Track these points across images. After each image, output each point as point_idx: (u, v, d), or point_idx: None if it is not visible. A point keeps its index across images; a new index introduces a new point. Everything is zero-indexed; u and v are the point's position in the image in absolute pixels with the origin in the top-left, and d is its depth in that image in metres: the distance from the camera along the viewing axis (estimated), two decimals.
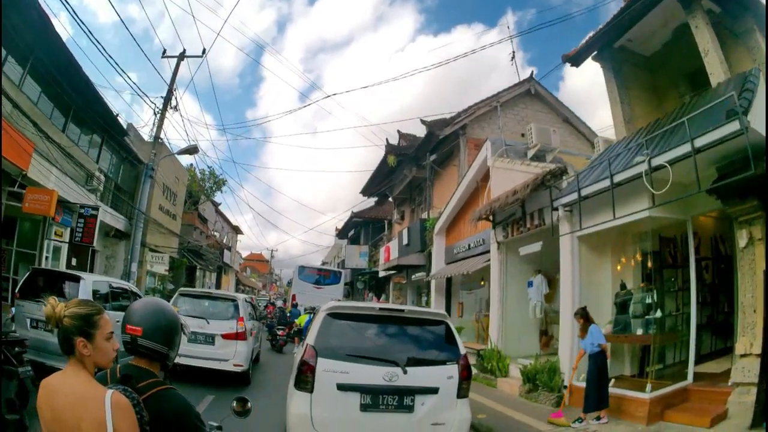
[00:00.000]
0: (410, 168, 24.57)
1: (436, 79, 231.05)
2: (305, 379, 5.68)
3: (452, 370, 5.95)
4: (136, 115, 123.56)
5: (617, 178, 9.12)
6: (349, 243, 41.76)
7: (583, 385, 9.06)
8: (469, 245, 17.28)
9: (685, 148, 7.74)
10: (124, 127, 21.26)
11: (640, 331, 9.66)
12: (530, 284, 13.16)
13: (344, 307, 6.61)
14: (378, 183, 29.70)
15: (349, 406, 5.61)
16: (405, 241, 22.95)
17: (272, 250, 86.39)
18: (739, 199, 7.89)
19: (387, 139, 25.41)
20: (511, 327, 13.80)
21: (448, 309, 19.09)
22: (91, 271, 19.29)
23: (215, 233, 45.57)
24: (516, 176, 13.28)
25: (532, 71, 21.16)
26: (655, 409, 8.42)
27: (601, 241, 10.91)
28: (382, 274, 29.40)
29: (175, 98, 20.48)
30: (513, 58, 22.37)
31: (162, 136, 20.37)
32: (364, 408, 5.63)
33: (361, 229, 40.31)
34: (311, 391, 5.63)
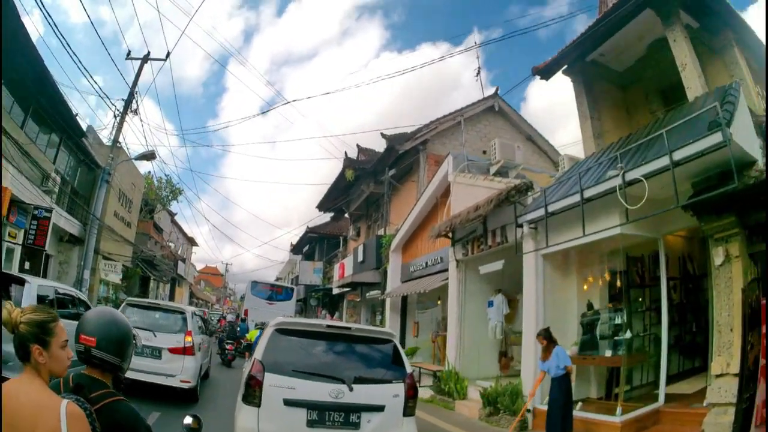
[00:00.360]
0: (368, 183, 23.79)
1: (399, 95, 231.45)
2: (253, 393, 5.64)
3: (398, 388, 5.91)
4: (98, 119, 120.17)
5: (588, 193, 8.54)
6: (303, 259, 40.65)
7: (545, 408, 8.37)
8: (426, 263, 16.50)
9: (663, 161, 7.30)
10: (84, 129, 20.03)
11: (608, 353, 9.04)
12: (490, 304, 12.43)
13: (292, 323, 6.64)
14: (335, 198, 28.67)
15: (296, 421, 5.57)
16: (360, 258, 22.08)
17: (227, 264, 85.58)
18: (716, 215, 7.44)
19: (346, 153, 24.39)
20: (469, 348, 13.03)
21: (403, 328, 18.28)
22: (44, 276, 18.24)
23: (170, 244, 44.26)
24: (478, 192, 12.57)
25: (497, 88, 20.79)
26: None
27: (567, 259, 10.33)
28: (336, 291, 28.55)
29: (136, 102, 19.77)
30: (478, 73, 22.04)
31: (121, 140, 19.76)
32: (311, 424, 5.58)
33: (316, 245, 39.30)
34: (259, 406, 5.59)
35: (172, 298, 43.68)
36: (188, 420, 3.06)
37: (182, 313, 11.26)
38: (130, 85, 19.77)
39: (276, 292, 28.45)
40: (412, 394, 5.98)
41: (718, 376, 7.22)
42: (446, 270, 14.42)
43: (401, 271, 18.84)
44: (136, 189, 27.22)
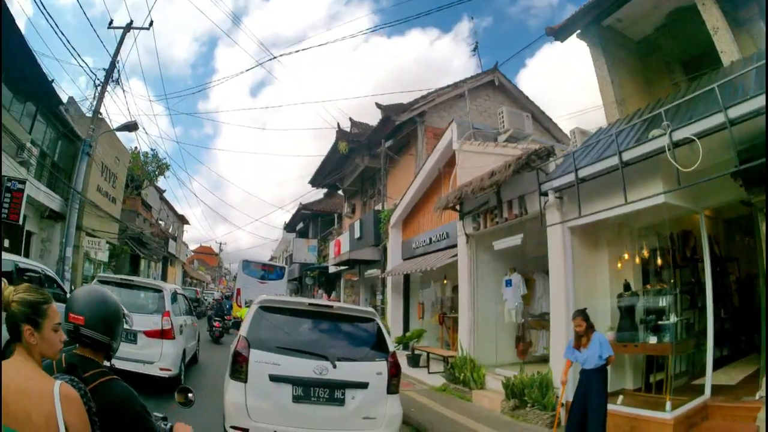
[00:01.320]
0: (362, 157, 22.43)
1: (390, 80, 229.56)
2: (239, 369, 5.76)
3: (381, 366, 6.04)
4: (80, 92, 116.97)
5: (627, 156, 7.23)
6: (297, 237, 39.42)
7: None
8: (430, 239, 15.25)
9: (715, 120, 6.10)
10: (64, 99, 19.00)
11: (652, 339, 7.83)
12: (508, 283, 11.17)
13: (276, 301, 6.67)
14: (328, 173, 27.29)
15: (282, 396, 5.70)
16: (357, 234, 20.79)
17: (221, 244, 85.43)
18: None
19: (338, 124, 22.96)
20: (483, 332, 11.78)
21: (406, 309, 17.10)
22: (27, 255, 17.23)
23: (160, 222, 43.08)
24: (488, 160, 11.28)
25: (496, 62, 19.39)
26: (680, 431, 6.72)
27: (596, 234, 9.07)
28: (332, 269, 27.56)
29: (118, 71, 18.82)
30: (476, 48, 20.57)
31: (104, 112, 18.63)
32: (296, 399, 5.71)
33: (310, 222, 38.05)
34: (245, 381, 5.71)
35: (164, 277, 42.82)
36: (178, 394, 3.21)
37: (159, 290, 10.05)
38: (112, 55, 18.65)
39: (267, 272, 28.33)
40: (395, 372, 6.10)
41: None
42: (453, 246, 13.19)
43: (402, 249, 17.59)
44: (121, 163, 25.96)
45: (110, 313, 2.39)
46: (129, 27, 18.95)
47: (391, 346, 6.41)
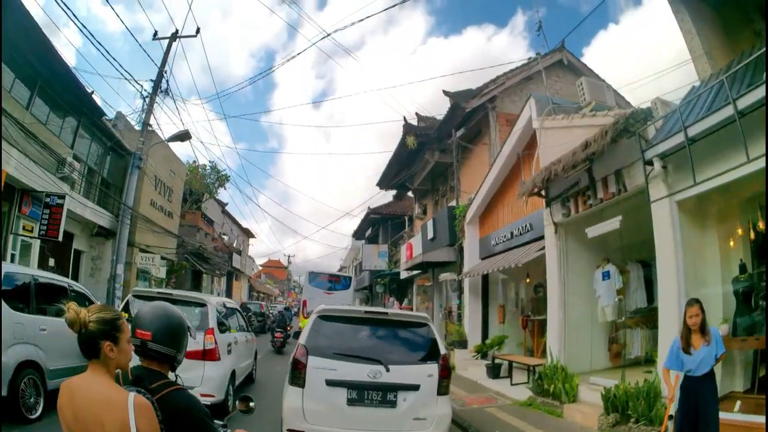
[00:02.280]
0: (432, 152, 21.74)
1: (450, 80, 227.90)
2: (297, 375, 6.22)
3: (432, 368, 6.39)
4: (127, 105, 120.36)
5: (742, 104, 6.20)
6: (366, 243, 39.16)
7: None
8: (511, 233, 14.33)
9: None
10: (112, 115, 19.99)
11: None
12: (605, 276, 10.15)
13: (333, 310, 7.13)
14: (396, 173, 26.71)
15: (337, 400, 6.12)
16: (430, 235, 20.01)
17: (289, 256, 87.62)
18: None
19: (404, 118, 22.31)
20: (574, 335, 10.81)
21: (485, 314, 16.21)
22: (76, 274, 17.81)
23: (224, 236, 43.57)
24: (574, 135, 10.29)
25: (562, 40, 18.34)
26: None
27: (704, 209, 8.03)
28: (404, 275, 26.92)
29: (166, 81, 18.70)
30: (539, 28, 19.52)
31: (154, 124, 19.21)
32: (351, 402, 6.12)
33: (379, 227, 37.72)
34: (303, 386, 6.17)
35: (229, 292, 43.60)
36: (239, 402, 3.48)
37: (202, 305, 9.33)
38: (159, 65, 18.79)
39: (334, 282, 28.40)
40: (445, 374, 6.45)
41: None
42: (538, 239, 12.32)
43: (480, 247, 16.71)
44: (177, 176, 26.39)
45: (175, 327, 2.59)
46: (175, 36, 19.03)
47: (443, 349, 6.71)
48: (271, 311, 37.14)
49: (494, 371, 13.34)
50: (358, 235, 43.60)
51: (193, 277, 33.34)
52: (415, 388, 6.23)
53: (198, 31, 19.49)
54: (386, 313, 7.22)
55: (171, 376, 2.57)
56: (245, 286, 53.07)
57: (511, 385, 12.13)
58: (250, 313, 30.08)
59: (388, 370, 6.15)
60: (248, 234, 55.93)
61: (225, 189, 37.02)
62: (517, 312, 15.46)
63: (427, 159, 22.25)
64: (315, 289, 27.12)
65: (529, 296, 15.26)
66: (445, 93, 18.88)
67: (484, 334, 15.89)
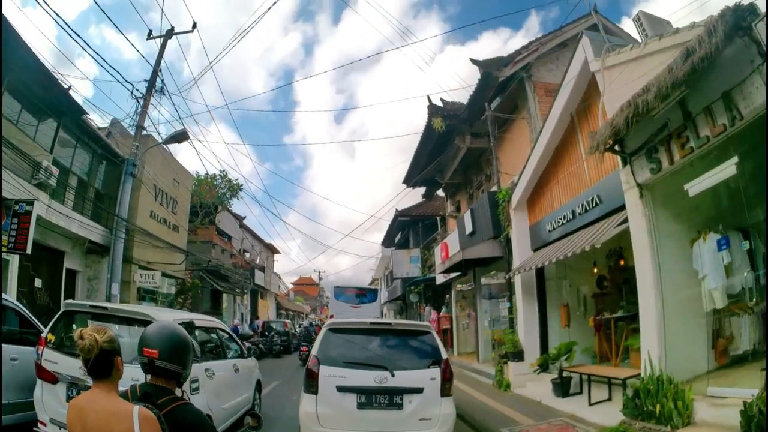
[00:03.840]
0: (463, 137, 19.16)
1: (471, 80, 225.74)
2: (311, 383, 6.74)
3: (435, 372, 6.87)
4: (120, 110, 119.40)
5: None
6: (396, 249, 36.59)
7: None
8: (572, 213, 11.56)
9: None
10: (103, 118, 20.20)
11: None
12: (723, 244, 7.44)
13: (341, 323, 7.81)
14: (424, 165, 23.69)
15: (348, 404, 6.63)
16: (469, 229, 17.33)
17: (320, 272, 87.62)
18: None
19: (428, 97, 19.34)
20: (674, 333, 8.03)
21: (543, 317, 13.31)
22: (72, 295, 16.37)
23: (245, 252, 41.56)
24: (651, 64, 7.67)
25: (594, 5, 15.90)
26: None
27: None
28: (440, 279, 24.21)
29: (161, 80, 17.74)
30: None
31: (150, 126, 18.36)
32: (361, 406, 6.63)
33: (409, 230, 35.01)
34: (316, 393, 6.68)
35: (254, 312, 41.93)
36: (249, 419, 3.62)
37: (147, 322, 6.10)
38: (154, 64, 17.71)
39: (360, 296, 27.76)
40: (447, 377, 6.91)
41: None
42: (610, 214, 9.77)
43: (531, 236, 13.98)
44: (182, 186, 24.48)
45: (181, 345, 2.70)
46: (170, 33, 18.37)
47: (444, 354, 7.15)
48: (296, 329, 35.56)
49: (563, 388, 10.69)
50: (387, 242, 41.01)
51: (212, 297, 31.85)
52: (419, 390, 6.71)
53: (195, 26, 18.62)
54: (390, 324, 7.85)
55: (178, 392, 2.65)
56: (272, 304, 51.07)
57: (590, 405, 9.50)
58: (272, 333, 28.59)
59: (393, 375, 6.64)
60: (272, 250, 53.80)
61: (238, 199, 34.96)
62: (580, 312, 12.84)
63: (458, 145, 19.65)
64: (342, 303, 26.24)
65: (591, 291, 12.71)
66: (473, 61, 16.35)
67: (543, 341, 13.10)
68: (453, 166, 22.00)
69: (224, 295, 34.01)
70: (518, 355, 13.08)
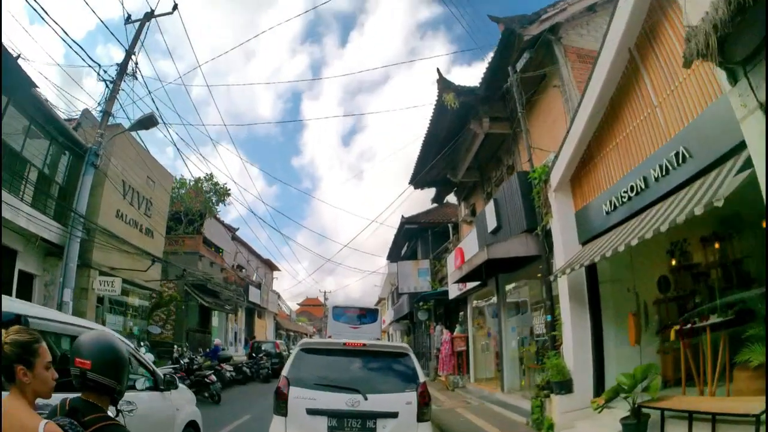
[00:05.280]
0: (480, 121, 15.92)
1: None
2: (280, 404, 6.57)
3: (411, 396, 6.63)
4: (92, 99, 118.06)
5: None
6: (402, 261, 33.09)
7: None
8: (643, 181, 8.24)
9: None
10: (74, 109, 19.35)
11: None
12: None
13: (315, 342, 8.02)
14: (431, 159, 20.11)
15: (318, 428, 6.38)
16: (492, 224, 14.07)
17: (325, 292, 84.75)
18: None
19: (438, 70, 16.13)
20: None
21: (597, 333, 9.92)
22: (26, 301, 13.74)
23: (242, 268, 38.91)
24: None
25: None
26: None
27: None
28: (453, 292, 20.79)
29: (135, 63, 16.87)
30: None
31: (124, 120, 17.01)
32: (331, 430, 6.36)
33: (417, 240, 31.70)
34: (286, 415, 6.49)
35: (250, 331, 39.31)
36: None
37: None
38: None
39: (361, 316, 24.33)
40: (424, 402, 6.64)
41: None
42: (699, 175, 6.89)
43: (578, 225, 10.59)
44: (158, 186, 22.13)
45: (117, 357, 2.53)
46: (150, 16, 17.61)
47: (422, 377, 6.88)
48: (290, 350, 32.89)
49: (639, 430, 7.42)
50: (393, 255, 37.56)
51: (201, 313, 29.72)
52: (393, 415, 6.43)
53: (175, 7, 17.77)
54: (365, 345, 7.26)
55: (111, 410, 2.48)
56: (271, 324, 48.22)
57: None
58: (261, 354, 25.98)
59: (366, 399, 6.40)
60: (271, 266, 50.96)
61: (225, 205, 32.67)
62: (654, 321, 9.63)
63: (474, 131, 16.42)
64: (341, 324, 23.11)
65: (653, 297, 9.58)
66: (492, 18, 13.64)
67: (598, 367, 9.79)
68: (467, 160, 19.07)
69: (215, 313, 31.68)
70: (565, 386, 9.68)
